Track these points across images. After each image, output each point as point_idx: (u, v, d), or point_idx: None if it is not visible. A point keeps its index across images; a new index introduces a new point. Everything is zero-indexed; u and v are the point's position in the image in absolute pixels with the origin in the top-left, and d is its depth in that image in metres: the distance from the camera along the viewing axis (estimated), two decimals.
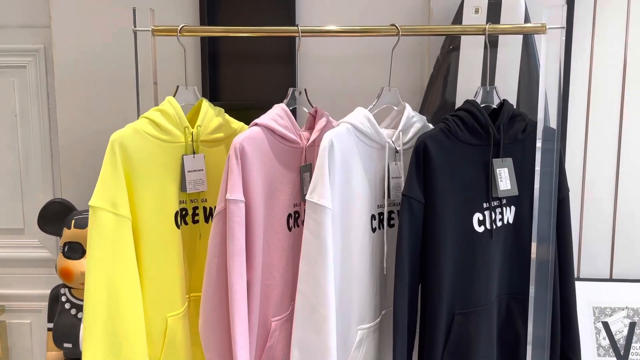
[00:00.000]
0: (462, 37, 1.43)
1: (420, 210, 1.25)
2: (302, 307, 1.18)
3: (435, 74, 1.49)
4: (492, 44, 1.43)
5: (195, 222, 1.35)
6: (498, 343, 1.37)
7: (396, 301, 1.24)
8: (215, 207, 1.35)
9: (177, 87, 1.33)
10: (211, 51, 1.65)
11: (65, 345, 1.51)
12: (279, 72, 1.66)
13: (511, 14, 1.40)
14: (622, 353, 1.68)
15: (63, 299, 1.55)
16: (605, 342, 1.69)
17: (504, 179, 1.30)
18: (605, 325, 1.70)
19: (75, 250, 1.50)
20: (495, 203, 1.31)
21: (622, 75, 1.66)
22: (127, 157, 1.20)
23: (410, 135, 1.32)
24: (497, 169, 1.29)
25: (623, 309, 1.71)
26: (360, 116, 1.24)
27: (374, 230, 1.29)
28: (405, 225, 1.23)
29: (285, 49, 1.65)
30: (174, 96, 1.31)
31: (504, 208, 1.33)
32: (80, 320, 1.52)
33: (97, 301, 1.17)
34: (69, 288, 1.55)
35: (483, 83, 1.43)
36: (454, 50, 1.45)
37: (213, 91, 1.68)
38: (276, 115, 1.25)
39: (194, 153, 1.30)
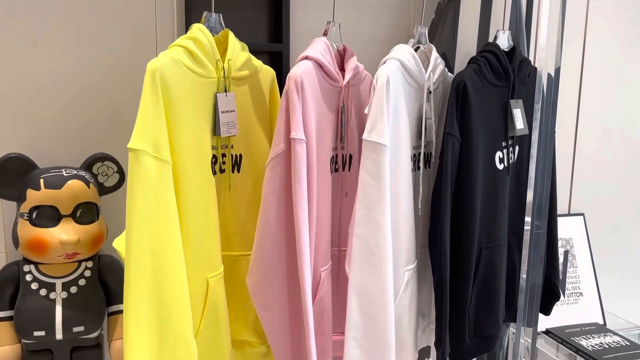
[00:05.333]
0: None
1: (458, 149, 1.27)
2: (360, 252, 1.13)
3: (436, 19, 1.51)
4: None
5: (222, 171, 1.19)
6: None
7: (442, 239, 1.25)
8: (239, 154, 1.21)
9: (205, 13, 1.14)
10: None
11: (36, 334, 1.22)
12: (259, 16, 1.52)
13: None
14: (560, 278, 1.93)
15: (28, 277, 1.24)
16: None
17: (519, 119, 1.38)
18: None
19: (48, 215, 1.21)
20: (510, 142, 1.39)
21: None
22: (167, 92, 1.01)
23: (437, 75, 1.32)
24: (514, 110, 1.37)
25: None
26: (406, 53, 1.21)
27: (411, 171, 1.28)
28: (449, 163, 1.25)
29: None
30: (203, 23, 1.12)
31: (515, 147, 1.42)
32: (53, 301, 1.24)
33: (142, 266, 0.98)
34: (35, 264, 1.25)
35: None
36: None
37: None
38: (323, 50, 1.16)
39: (226, 91, 1.14)
